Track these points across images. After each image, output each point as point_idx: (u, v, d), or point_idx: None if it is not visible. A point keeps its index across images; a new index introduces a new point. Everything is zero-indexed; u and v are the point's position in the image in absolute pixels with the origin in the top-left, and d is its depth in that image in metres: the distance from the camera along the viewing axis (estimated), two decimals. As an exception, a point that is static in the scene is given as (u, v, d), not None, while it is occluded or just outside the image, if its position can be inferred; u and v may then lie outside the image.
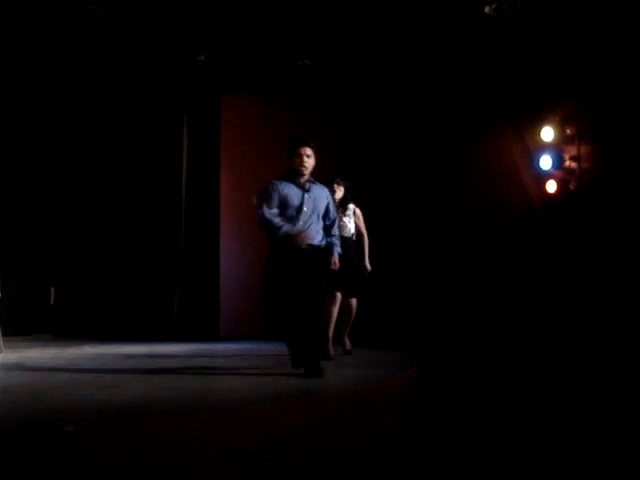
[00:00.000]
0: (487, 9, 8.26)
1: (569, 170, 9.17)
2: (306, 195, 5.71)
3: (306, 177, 5.80)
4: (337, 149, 10.77)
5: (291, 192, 5.69)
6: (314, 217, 5.75)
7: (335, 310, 7.26)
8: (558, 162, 9.19)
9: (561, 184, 9.16)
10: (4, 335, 7.69)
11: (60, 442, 3.24)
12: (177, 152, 10.98)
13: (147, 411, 3.88)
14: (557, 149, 9.22)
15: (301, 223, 5.64)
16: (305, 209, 5.68)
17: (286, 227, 5.60)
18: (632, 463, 4.55)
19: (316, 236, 5.72)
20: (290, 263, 5.62)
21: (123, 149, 10.75)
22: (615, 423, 5.55)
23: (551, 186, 9.20)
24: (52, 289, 11.20)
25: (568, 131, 9.25)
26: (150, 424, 3.54)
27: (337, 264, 5.91)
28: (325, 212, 5.86)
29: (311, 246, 5.66)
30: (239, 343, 9.40)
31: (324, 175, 10.33)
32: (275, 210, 5.68)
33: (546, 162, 9.22)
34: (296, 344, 5.63)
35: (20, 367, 6.30)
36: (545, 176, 9.24)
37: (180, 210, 10.94)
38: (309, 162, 5.80)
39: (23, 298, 10.37)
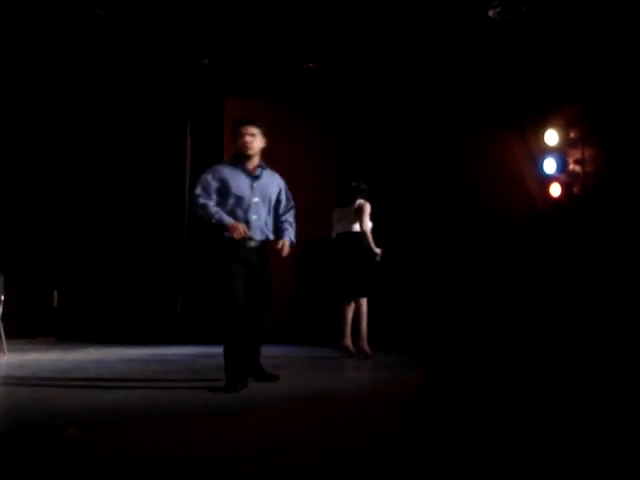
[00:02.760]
0: (491, 12, 8.25)
1: (573, 173, 9.15)
2: (255, 183, 5.16)
3: (255, 162, 5.24)
4: (341, 152, 10.76)
5: (236, 179, 5.12)
6: (263, 208, 5.18)
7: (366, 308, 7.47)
8: (562, 166, 9.16)
9: (565, 188, 9.14)
10: (7, 338, 7.70)
11: (63, 445, 3.24)
12: (181, 155, 10.98)
13: (151, 414, 3.88)
14: (561, 152, 9.20)
15: (249, 215, 5.08)
16: (254, 199, 5.12)
17: (220, 214, 5.01)
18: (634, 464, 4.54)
19: (265, 230, 5.20)
20: (236, 261, 5.04)
21: (127, 152, 10.76)
22: (618, 429, 5.53)
23: (555, 190, 9.17)
24: (55, 292, 11.19)
25: (572, 134, 9.23)
26: (154, 427, 3.54)
27: (286, 249, 5.30)
28: (277, 202, 5.33)
29: (259, 242, 5.15)
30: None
31: (329, 177, 10.39)
32: (213, 199, 5.10)
33: (550, 166, 9.19)
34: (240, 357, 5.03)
35: (23, 370, 6.30)
36: (549, 180, 9.21)
37: (183, 213, 10.94)
38: (254, 143, 5.22)
39: (26, 301, 10.37)
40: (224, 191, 5.09)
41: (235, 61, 9.65)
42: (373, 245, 7.49)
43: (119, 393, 4.07)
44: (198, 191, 5.10)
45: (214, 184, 5.11)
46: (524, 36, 8.75)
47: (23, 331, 9.89)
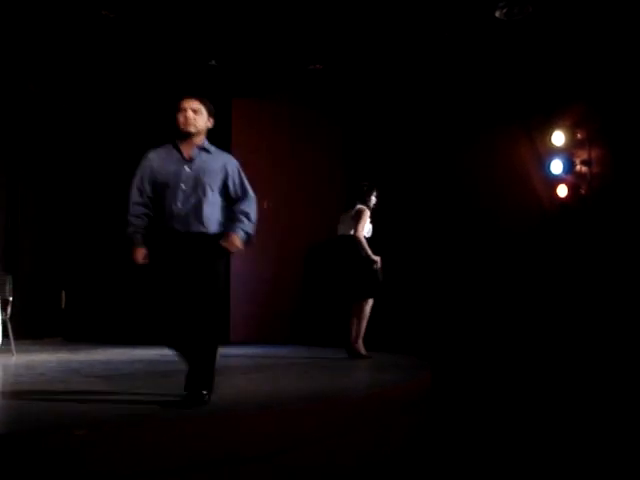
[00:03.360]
0: (498, 13, 8.25)
1: (580, 174, 9.13)
2: (186, 167, 4.36)
3: (196, 143, 4.47)
4: (347, 153, 10.78)
5: (166, 164, 4.39)
6: (197, 196, 4.32)
7: (369, 310, 7.46)
8: (569, 166, 9.15)
9: (572, 189, 9.12)
10: (15, 338, 7.72)
11: (70, 445, 3.26)
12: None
13: (157, 415, 3.89)
14: (568, 153, 9.18)
15: (173, 205, 4.29)
16: (181, 185, 4.31)
17: (133, 230, 4.38)
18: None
19: (201, 221, 4.33)
20: (163, 257, 4.37)
21: (134, 153, 10.74)
22: (628, 432, 5.52)
23: (562, 191, 9.15)
24: (63, 293, 11.22)
25: (579, 135, 9.21)
26: (158, 428, 3.55)
27: (234, 244, 4.39)
28: (224, 188, 4.46)
29: (190, 236, 4.31)
30: (250, 347, 9.40)
31: (334, 178, 10.41)
32: (144, 196, 4.40)
33: (557, 166, 9.17)
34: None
35: (31, 370, 6.32)
36: (556, 180, 9.20)
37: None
38: (198, 120, 4.48)
39: (34, 302, 10.40)
40: (154, 181, 4.39)
41: (242, 62, 9.67)
42: (369, 252, 7.49)
43: (126, 394, 4.08)
44: (131, 193, 4.44)
45: (146, 178, 4.43)
46: (531, 37, 8.74)
47: (31, 332, 9.91)
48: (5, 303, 7.56)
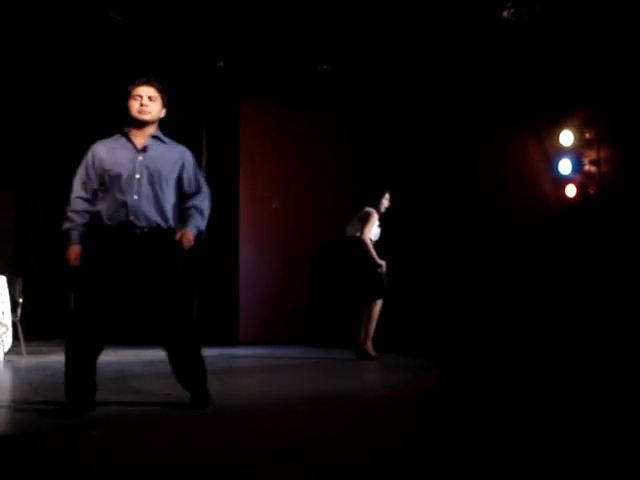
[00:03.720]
0: (505, 13, 8.24)
1: (588, 174, 9.11)
2: (140, 156, 4.12)
3: (149, 132, 4.23)
4: (355, 153, 10.78)
5: (115, 154, 4.12)
6: (152, 186, 4.07)
7: (377, 311, 7.45)
8: (577, 166, 9.13)
9: (581, 188, 9.10)
10: (25, 340, 7.75)
11: (83, 446, 3.27)
12: (196, 156, 11.00)
13: (169, 416, 3.90)
14: (576, 153, 9.16)
15: (127, 196, 4.01)
16: (136, 175, 4.05)
17: (70, 226, 4.11)
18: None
19: (156, 214, 4.09)
20: (110, 256, 4.01)
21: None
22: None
23: (570, 190, 9.14)
24: (73, 294, 11.25)
25: (587, 135, 9.19)
26: (173, 429, 3.57)
27: (187, 240, 4.12)
28: (179, 180, 4.24)
29: (144, 230, 4.05)
30: (259, 348, 9.42)
31: (342, 179, 10.41)
32: (87, 190, 4.12)
33: (565, 166, 9.16)
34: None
35: (42, 371, 6.34)
36: (564, 180, 9.18)
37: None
38: (153, 107, 4.22)
39: (44, 303, 10.43)
40: (102, 173, 4.10)
41: (250, 63, 9.69)
42: (374, 255, 7.49)
43: (137, 394, 4.09)
44: (74, 184, 4.17)
45: (93, 169, 4.13)
46: (539, 36, 8.73)
47: (40, 333, 9.94)
48: (15, 305, 7.59)
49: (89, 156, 4.17)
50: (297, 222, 10.65)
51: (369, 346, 7.53)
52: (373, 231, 7.60)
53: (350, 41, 9.04)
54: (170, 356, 4.18)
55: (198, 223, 4.26)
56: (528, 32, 8.60)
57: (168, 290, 4.08)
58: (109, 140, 4.22)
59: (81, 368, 3.96)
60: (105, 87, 10.14)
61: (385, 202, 7.76)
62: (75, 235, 4.10)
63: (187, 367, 4.21)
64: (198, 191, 4.36)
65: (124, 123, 4.25)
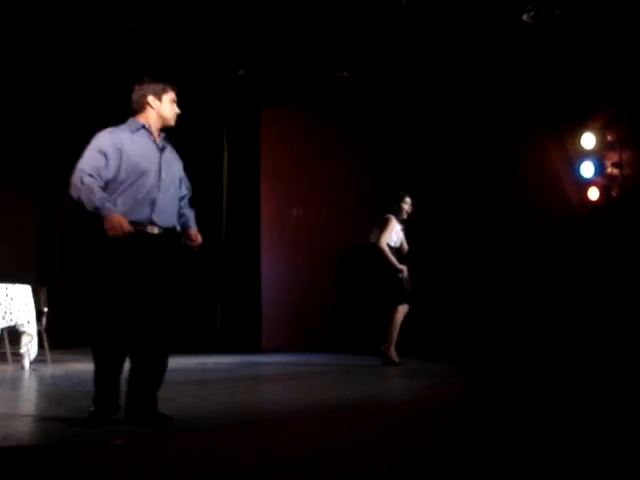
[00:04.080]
0: (525, 17, 8.22)
1: (611, 177, 9.05)
2: (162, 155, 4.07)
3: (160, 132, 4.18)
4: (376, 159, 10.78)
5: (142, 148, 3.99)
6: (171, 187, 4.08)
7: (399, 318, 7.47)
8: (600, 169, 9.07)
9: (603, 191, 9.04)
10: (50, 349, 7.81)
11: (110, 455, 3.29)
12: (218, 164, 11.10)
13: (197, 425, 3.91)
14: (598, 156, 9.10)
15: (155, 193, 3.93)
16: (163, 175, 4.01)
17: (103, 201, 3.77)
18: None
19: (173, 215, 4.08)
20: (132, 256, 3.85)
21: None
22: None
23: (593, 193, 9.08)
24: (96, 297, 11.31)
25: (609, 137, 9.13)
26: (195, 438, 3.57)
27: (200, 238, 4.30)
28: (180, 182, 4.24)
29: (164, 230, 3.98)
30: (281, 355, 9.44)
31: (363, 186, 10.40)
32: (103, 177, 3.87)
33: (587, 169, 9.10)
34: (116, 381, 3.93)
35: (68, 380, 6.39)
36: (587, 183, 9.12)
37: (221, 222, 11.05)
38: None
39: (68, 312, 10.50)
40: (127, 164, 3.92)
41: (270, 71, 9.73)
42: (392, 260, 7.50)
43: (162, 403, 4.11)
44: (84, 165, 3.85)
45: (111, 156, 3.89)
46: (559, 39, 8.70)
47: (65, 341, 10.02)
48: (40, 314, 7.65)
49: (108, 141, 3.92)
50: (319, 229, 10.66)
51: (392, 352, 7.52)
52: (393, 237, 7.60)
53: (370, 47, 9.05)
54: (138, 364, 3.97)
55: (194, 222, 4.34)
56: (548, 35, 8.56)
57: (169, 294, 4.00)
58: (126, 130, 4.03)
59: (111, 374, 3.88)
60: (127, 97, 10.23)
61: (406, 207, 7.75)
62: (111, 205, 3.80)
63: (151, 380, 4.00)
64: (188, 192, 4.37)
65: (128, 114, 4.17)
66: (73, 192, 3.83)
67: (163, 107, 4.09)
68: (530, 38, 8.64)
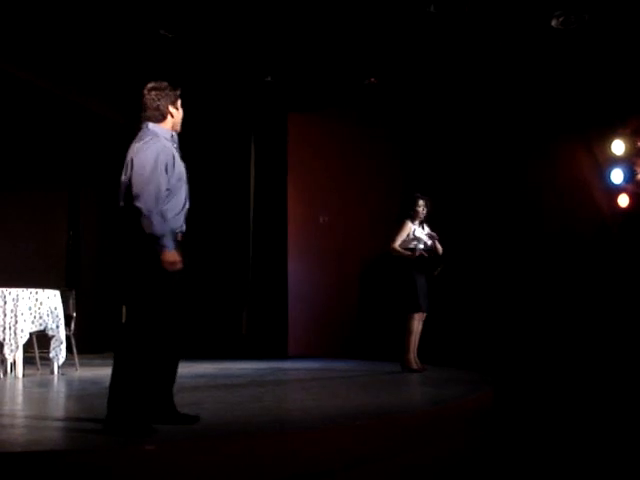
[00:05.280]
0: (554, 22, 8.16)
1: (641, 183, 8.99)
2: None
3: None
4: (403, 166, 10.76)
5: (178, 158, 4.06)
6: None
7: (415, 325, 7.50)
8: (630, 175, 8.99)
9: (633, 198, 8.96)
10: (78, 353, 7.87)
11: (141, 461, 3.30)
12: (245, 171, 11.13)
13: (223, 430, 3.92)
14: (628, 162, 9.03)
15: (187, 205, 4.09)
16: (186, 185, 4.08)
17: (167, 227, 3.85)
18: None
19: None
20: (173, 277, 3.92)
21: (192, 168, 10.92)
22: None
23: (623, 200, 9.00)
24: (124, 307, 11.39)
25: (639, 144, 9.06)
26: (227, 444, 3.58)
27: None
28: None
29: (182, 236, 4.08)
30: (308, 361, 9.43)
31: (391, 193, 10.37)
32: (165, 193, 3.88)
33: (617, 176, 9.03)
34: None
35: (96, 384, 6.42)
36: (617, 190, 9.04)
37: (248, 228, 11.08)
38: None
39: (96, 316, 10.58)
40: (174, 175, 3.98)
41: (297, 78, 9.74)
42: (406, 253, 7.55)
43: (190, 409, 4.12)
44: (158, 191, 3.82)
45: (171, 168, 3.94)
46: (588, 45, 8.63)
47: (93, 346, 10.09)
48: (69, 319, 7.71)
49: (166, 157, 3.93)
50: (345, 236, 10.65)
51: (411, 359, 7.53)
52: (409, 240, 7.61)
53: (398, 54, 9.03)
54: (165, 362, 4.05)
55: None
56: (577, 41, 8.50)
57: (184, 298, 4.12)
58: (162, 138, 4.02)
59: (149, 380, 3.88)
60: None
61: (419, 209, 7.76)
62: (171, 240, 3.86)
63: (171, 381, 4.10)
64: None
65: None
66: (146, 215, 3.78)
67: (176, 116, 4.12)
68: (559, 44, 8.58)
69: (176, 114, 4.10)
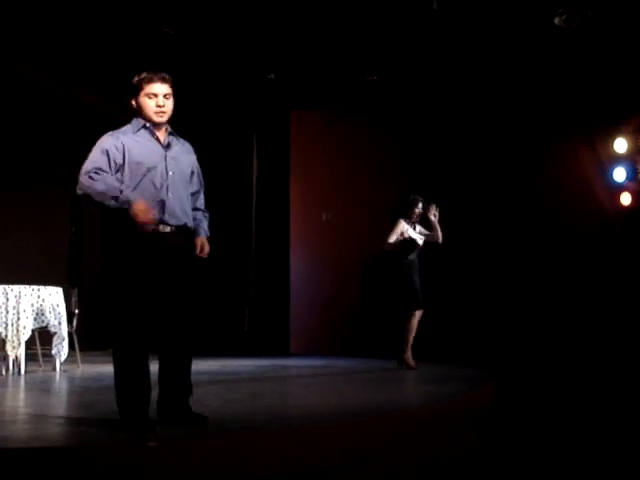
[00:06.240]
0: (557, 20, 8.15)
1: (644, 182, 8.99)
2: (167, 152, 3.97)
3: (164, 129, 4.04)
4: (405, 163, 10.76)
5: (144, 148, 3.92)
6: (180, 185, 3.98)
7: (414, 322, 7.51)
8: (632, 174, 9.01)
9: (636, 196, 8.97)
10: (80, 350, 7.87)
11: (141, 457, 3.30)
12: (247, 168, 11.13)
13: (226, 428, 3.92)
14: (631, 160, 9.04)
15: (163, 192, 3.87)
16: (171, 173, 3.92)
17: (126, 192, 3.76)
18: None
19: (184, 214, 3.97)
20: (145, 256, 3.81)
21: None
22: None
23: (625, 198, 9.02)
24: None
25: (642, 142, 9.07)
26: (229, 441, 3.58)
27: (207, 248, 4.14)
28: (191, 176, 4.12)
29: (175, 228, 3.92)
30: (309, 358, 9.44)
31: (393, 191, 10.37)
32: (115, 177, 3.84)
33: (620, 174, 9.04)
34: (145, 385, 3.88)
35: (98, 381, 6.43)
36: (619, 188, 9.06)
37: (250, 225, 11.08)
38: (169, 106, 4.00)
39: (98, 313, 10.58)
40: (130, 165, 3.87)
41: (300, 75, 9.75)
42: (396, 242, 7.56)
43: (192, 405, 4.12)
44: (89, 166, 3.83)
45: (113, 156, 3.86)
46: (591, 43, 8.62)
47: (95, 343, 10.09)
48: (71, 316, 7.71)
49: (109, 144, 3.87)
50: (348, 234, 10.64)
51: (408, 357, 7.56)
52: (415, 239, 7.65)
53: (400, 51, 9.03)
54: (166, 363, 3.97)
55: (207, 228, 4.19)
56: (580, 39, 8.49)
57: (187, 294, 3.96)
58: (128, 131, 3.97)
59: (133, 376, 3.83)
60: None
61: (417, 210, 7.78)
62: (129, 196, 3.76)
63: (181, 378, 4.00)
64: (202, 188, 4.23)
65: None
66: (81, 189, 3.81)
67: (143, 107, 3.95)
68: (562, 42, 8.57)
69: (144, 103, 3.94)
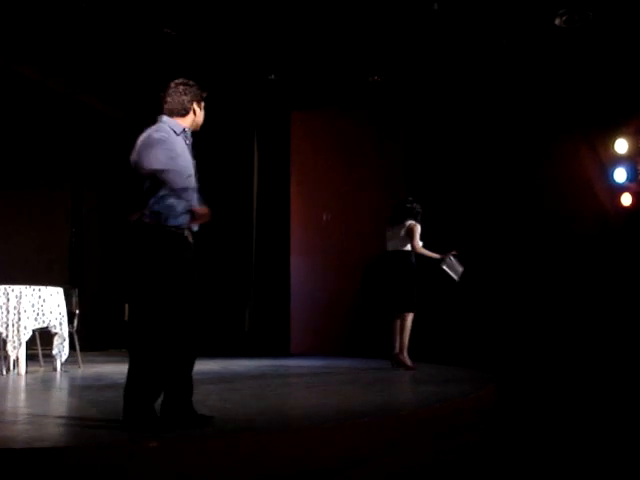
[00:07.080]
0: (557, 21, 8.16)
1: (644, 182, 8.99)
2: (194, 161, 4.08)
3: None
4: (406, 164, 10.75)
5: (187, 154, 4.01)
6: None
7: (410, 323, 7.58)
8: (633, 174, 9.01)
9: (636, 197, 8.98)
10: (81, 350, 7.87)
11: (142, 457, 3.30)
12: (248, 168, 11.14)
13: (227, 428, 3.92)
14: (632, 161, 9.04)
15: (195, 199, 3.96)
16: (195, 179, 4.02)
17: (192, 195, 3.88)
18: None
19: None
20: (184, 262, 3.91)
21: (196, 166, 10.93)
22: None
23: (626, 199, 9.02)
24: (126, 305, 11.41)
25: (642, 143, 9.07)
26: (229, 441, 3.58)
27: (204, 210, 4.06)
28: None
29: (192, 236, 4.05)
30: (310, 359, 9.44)
31: (393, 192, 10.37)
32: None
33: (620, 175, 9.05)
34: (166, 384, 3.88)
35: (99, 381, 6.43)
36: (620, 189, 9.06)
37: (251, 226, 11.09)
38: None
39: (98, 314, 10.59)
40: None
41: (301, 76, 9.75)
42: (435, 255, 7.70)
43: (194, 406, 4.12)
44: (159, 154, 3.82)
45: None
46: (591, 44, 8.63)
47: (96, 343, 10.11)
48: (72, 316, 7.71)
49: (168, 141, 3.88)
50: (347, 234, 10.65)
51: (405, 357, 7.59)
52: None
53: (401, 51, 9.03)
54: (173, 365, 3.91)
55: None
56: (581, 39, 8.50)
57: (198, 296, 4.02)
58: (171, 132, 3.96)
59: (158, 379, 3.82)
60: (158, 102, 10.29)
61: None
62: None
63: (186, 379, 4.02)
64: None
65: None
66: (182, 185, 3.83)
67: (198, 114, 4.08)
68: (563, 43, 8.57)
69: (198, 113, 4.07)
